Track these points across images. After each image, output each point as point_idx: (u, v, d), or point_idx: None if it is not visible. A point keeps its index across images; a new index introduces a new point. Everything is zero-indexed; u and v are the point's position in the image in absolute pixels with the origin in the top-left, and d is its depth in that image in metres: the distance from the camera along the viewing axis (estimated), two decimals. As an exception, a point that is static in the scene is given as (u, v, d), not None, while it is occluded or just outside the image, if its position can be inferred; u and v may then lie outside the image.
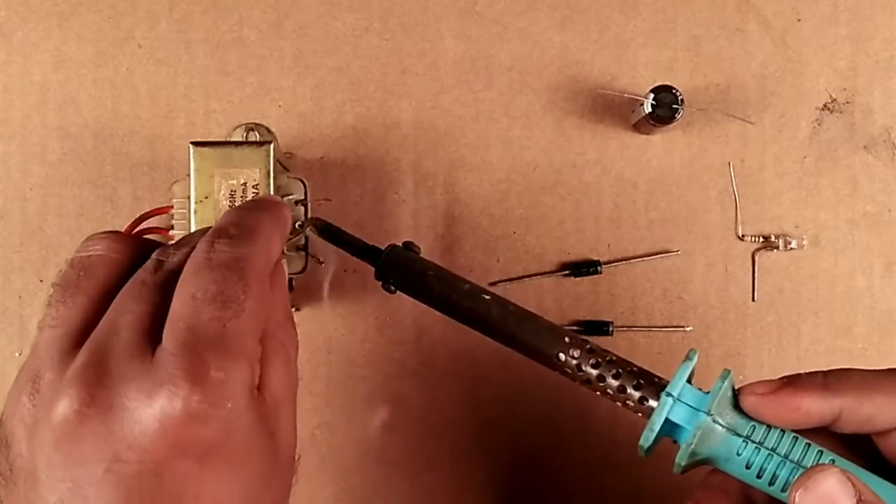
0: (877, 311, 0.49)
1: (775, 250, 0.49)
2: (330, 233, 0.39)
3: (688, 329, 0.49)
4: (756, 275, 0.49)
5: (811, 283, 0.49)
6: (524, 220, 0.50)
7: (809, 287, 0.49)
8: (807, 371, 0.33)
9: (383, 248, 0.38)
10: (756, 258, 0.49)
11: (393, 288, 0.37)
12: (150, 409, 0.26)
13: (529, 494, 0.49)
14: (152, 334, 0.28)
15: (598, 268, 0.49)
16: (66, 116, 0.50)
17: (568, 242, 0.50)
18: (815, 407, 0.31)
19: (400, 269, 0.37)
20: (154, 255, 0.31)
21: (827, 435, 0.32)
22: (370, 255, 0.38)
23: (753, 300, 0.49)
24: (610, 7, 0.50)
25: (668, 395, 0.32)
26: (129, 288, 0.30)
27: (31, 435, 0.27)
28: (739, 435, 0.31)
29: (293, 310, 0.48)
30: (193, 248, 0.31)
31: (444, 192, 0.50)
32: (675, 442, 0.33)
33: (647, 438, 0.32)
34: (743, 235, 0.49)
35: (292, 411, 0.32)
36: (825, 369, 0.33)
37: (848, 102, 0.50)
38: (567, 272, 0.49)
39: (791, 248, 0.49)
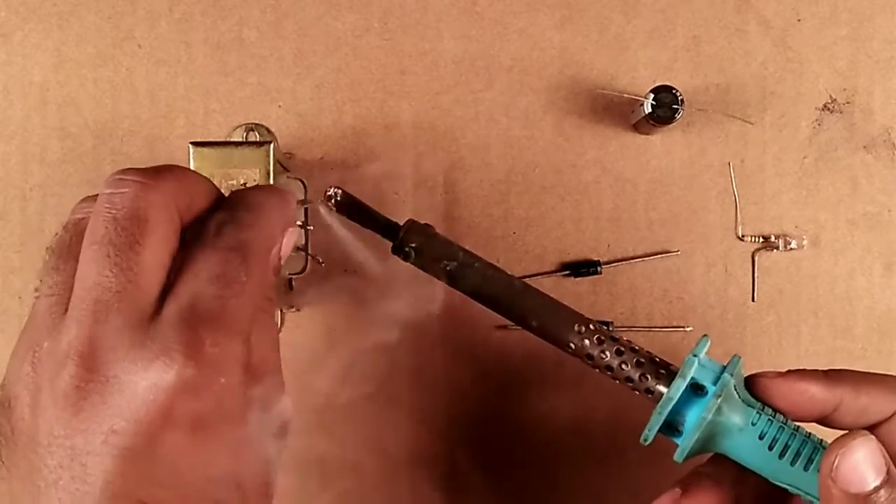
0: (877, 311, 0.49)
1: (775, 250, 0.49)
2: (351, 206, 0.39)
3: (688, 329, 0.49)
4: (756, 275, 0.49)
5: (811, 283, 0.49)
6: (524, 220, 0.50)
7: (809, 287, 0.49)
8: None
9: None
10: (756, 258, 0.49)
11: (411, 253, 0.37)
12: (144, 380, 0.27)
13: (529, 494, 0.49)
14: (145, 302, 0.28)
15: (598, 268, 0.49)
16: (66, 116, 0.50)
17: (568, 242, 0.50)
18: (819, 393, 0.33)
19: (420, 237, 0.37)
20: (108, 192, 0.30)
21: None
22: (390, 229, 0.38)
23: (753, 300, 0.49)
24: (610, 7, 0.50)
25: (694, 355, 0.33)
26: (108, 251, 0.29)
27: (35, 401, 0.28)
28: (753, 406, 0.33)
29: (293, 310, 0.48)
30: (154, 176, 0.30)
31: (444, 192, 0.50)
32: (679, 433, 0.33)
33: (664, 406, 0.32)
34: (743, 235, 0.49)
35: (278, 375, 0.33)
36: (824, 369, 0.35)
37: (848, 102, 0.49)
38: (567, 272, 0.49)
39: (791, 249, 0.49)
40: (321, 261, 0.44)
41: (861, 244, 0.49)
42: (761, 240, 0.49)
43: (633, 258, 0.49)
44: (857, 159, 0.49)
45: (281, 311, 0.45)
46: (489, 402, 0.49)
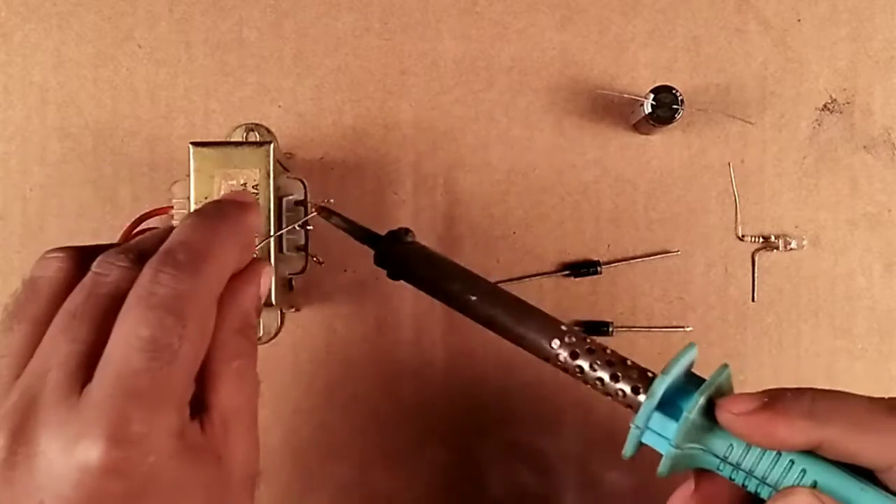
0: (877, 311, 0.49)
1: (775, 251, 0.49)
2: (336, 217, 0.39)
3: (688, 329, 0.49)
4: (756, 275, 0.49)
5: (811, 283, 0.49)
6: (524, 220, 0.50)
7: (809, 287, 0.49)
8: (796, 388, 0.31)
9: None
10: (756, 258, 0.49)
11: (390, 265, 0.37)
12: (70, 460, 0.26)
13: (529, 494, 0.49)
14: (81, 374, 0.28)
15: (598, 268, 0.49)
16: (66, 117, 0.50)
17: (568, 242, 0.50)
18: (791, 437, 0.29)
19: (395, 257, 0.37)
20: (93, 269, 0.30)
21: None
22: (371, 240, 0.38)
23: (753, 300, 0.49)
24: (610, 7, 0.50)
25: (636, 427, 0.31)
26: (60, 321, 0.29)
27: None
28: (717, 456, 0.31)
29: (293, 310, 0.48)
30: (136, 260, 0.30)
31: (444, 193, 0.50)
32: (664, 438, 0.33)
33: (627, 450, 0.32)
34: (743, 236, 0.49)
35: (248, 424, 0.31)
36: (818, 389, 0.30)
37: (848, 102, 0.49)
38: (567, 272, 0.49)
39: (791, 249, 0.49)
40: (321, 261, 0.44)
41: (861, 244, 0.49)
42: (761, 240, 0.49)
43: (633, 258, 0.49)
44: (857, 159, 0.49)
45: (281, 311, 0.45)
46: (489, 402, 0.49)
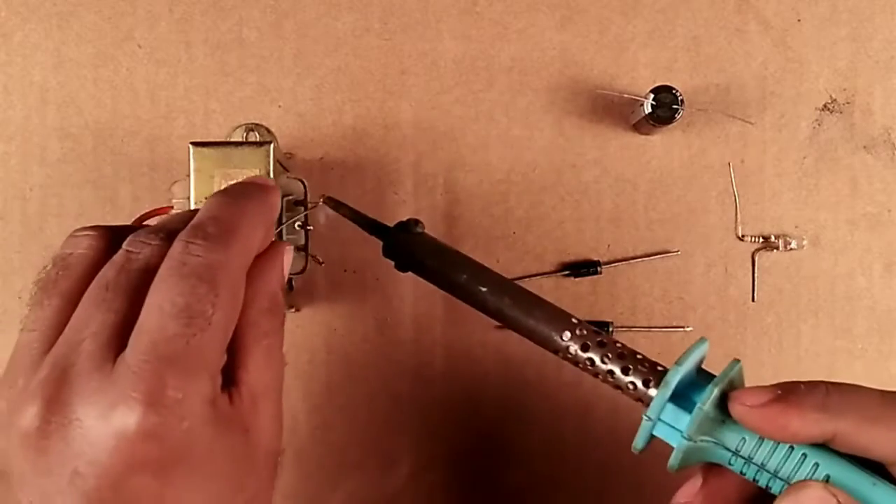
0: (877, 311, 0.49)
1: (775, 251, 0.49)
2: (344, 208, 0.39)
3: (688, 329, 0.49)
4: (756, 275, 0.49)
5: (811, 283, 0.49)
6: (524, 220, 0.50)
7: (809, 287, 0.49)
8: (809, 381, 0.31)
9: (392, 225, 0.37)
10: (756, 258, 0.49)
11: (399, 257, 0.37)
12: (106, 426, 0.27)
13: (530, 494, 0.49)
14: (115, 343, 0.28)
15: (598, 268, 0.49)
16: (66, 117, 0.50)
17: (568, 242, 0.50)
18: (804, 429, 0.29)
19: (404, 248, 0.37)
20: (124, 247, 0.31)
21: None
22: (379, 231, 0.37)
23: (753, 300, 0.49)
24: (610, 7, 0.50)
25: (648, 418, 0.31)
26: (93, 293, 0.29)
27: (7, 438, 0.28)
28: (728, 449, 0.31)
29: (293, 310, 0.48)
30: (166, 238, 0.30)
31: (444, 192, 0.50)
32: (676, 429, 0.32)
33: (637, 443, 0.32)
34: (743, 236, 0.49)
35: (275, 401, 0.31)
36: (831, 382, 0.30)
37: (848, 103, 0.49)
38: (567, 272, 0.49)
39: (791, 249, 0.49)
40: (321, 261, 0.44)
41: (861, 244, 0.49)
42: (761, 240, 0.49)
43: (633, 258, 0.49)
44: (857, 159, 0.49)
45: (281, 311, 0.45)
46: (489, 402, 0.49)
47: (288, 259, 0.34)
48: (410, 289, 0.49)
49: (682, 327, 0.49)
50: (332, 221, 0.49)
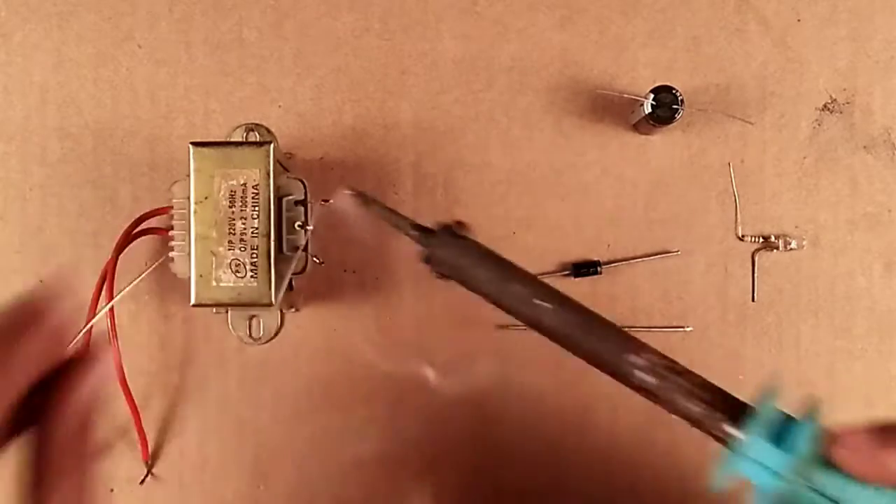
0: (877, 311, 0.49)
1: (775, 250, 0.49)
2: (375, 204, 0.35)
3: (688, 329, 0.49)
4: (756, 275, 0.49)
5: (811, 283, 0.49)
6: (524, 220, 0.50)
7: (809, 287, 0.49)
8: None
9: (433, 227, 0.34)
10: (756, 258, 0.49)
11: (443, 276, 0.33)
12: None
13: (530, 494, 0.49)
14: None
15: (598, 268, 0.49)
16: (66, 117, 0.50)
17: (568, 242, 0.50)
18: None
19: (449, 254, 0.33)
20: None
21: None
22: (420, 233, 0.33)
23: (753, 300, 0.49)
24: (610, 7, 0.50)
25: (733, 454, 0.29)
26: None
27: None
28: (823, 494, 0.29)
29: (293, 310, 0.48)
30: None
31: (444, 192, 0.50)
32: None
33: (718, 481, 0.30)
34: (743, 236, 0.49)
35: None
36: None
37: (848, 102, 0.49)
38: (567, 272, 0.49)
39: (791, 249, 0.49)
40: (321, 261, 0.44)
41: (861, 244, 0.49)
42: (761, 240, 0.49)
43: (633, 258, 0.49)
44: (857, 159, 0.49)
45: (281, 311, 0.45)
46: (489, 402, 0.49)
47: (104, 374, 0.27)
48: (410, 289, 0.49)
49: (682, 327, 0.49)
50: (332, 221, 0.49)
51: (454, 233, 0.33)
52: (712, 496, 0.35)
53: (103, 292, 0.44)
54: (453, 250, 0.33)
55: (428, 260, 0.33)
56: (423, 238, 0.33)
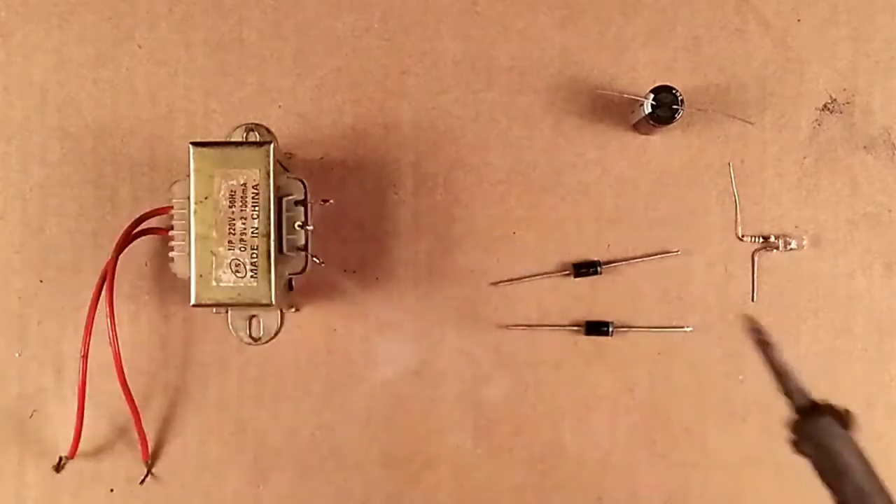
0: (877, 311, 0.49)
1: (775, 251, 0.49)
2: (772, 352, 0.35)
3: (688, 329, 0.49)
4: (756, 275, 0.49)
5: (811, 283, 0.49)
6: (524, 220, 0.50)
7: (809, 287, 0.49)
8: None
9: (820, 403, 0.33)
10: (756, 258, 0.49)
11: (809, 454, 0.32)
12: None
13: (530, 494, 0.49)
14: None
15: (598, 268, 0.49)
16: (66, 117, 0.50)
17: (568, 242, 0.50)
18: None
19: (825, 442, 0.32)
20: None
21: None
22: (802, 403, 0.33)
23: (753, 300, 0.49)
24: (610, 7, 0.50)
25: None
26: None
27: None
28: None
29: (293, 310, 0.48)
30: None
31: (444, 192, 0.50)
32: None
33: None
34: (743, 236, 0.49)
35: None
36: None
37: (848, 103, 0.49)
38: (567, 272, 0.49)
39: (791, 249, 0.49)
40: (321, 261, 0.44)
41: (861, 244, 0.49)
42: (761, 240, 0.49)
43: (633, 258, 0.49)
44: (857, 159, 0.49)
45: (281, 311, 0.45)
46: (489, 402, 0.49)
47: None
48: (410, 289, 0.49)
49: (682, 327, 0.49)
50: (331, 221, 0.49)
51: (841, 420, 0.32)
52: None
53: (103, 292, 0.44)
54: (832, 438, 0.32)
55: (797, 431, 0.32)
56: (805, 411, 0.33)
